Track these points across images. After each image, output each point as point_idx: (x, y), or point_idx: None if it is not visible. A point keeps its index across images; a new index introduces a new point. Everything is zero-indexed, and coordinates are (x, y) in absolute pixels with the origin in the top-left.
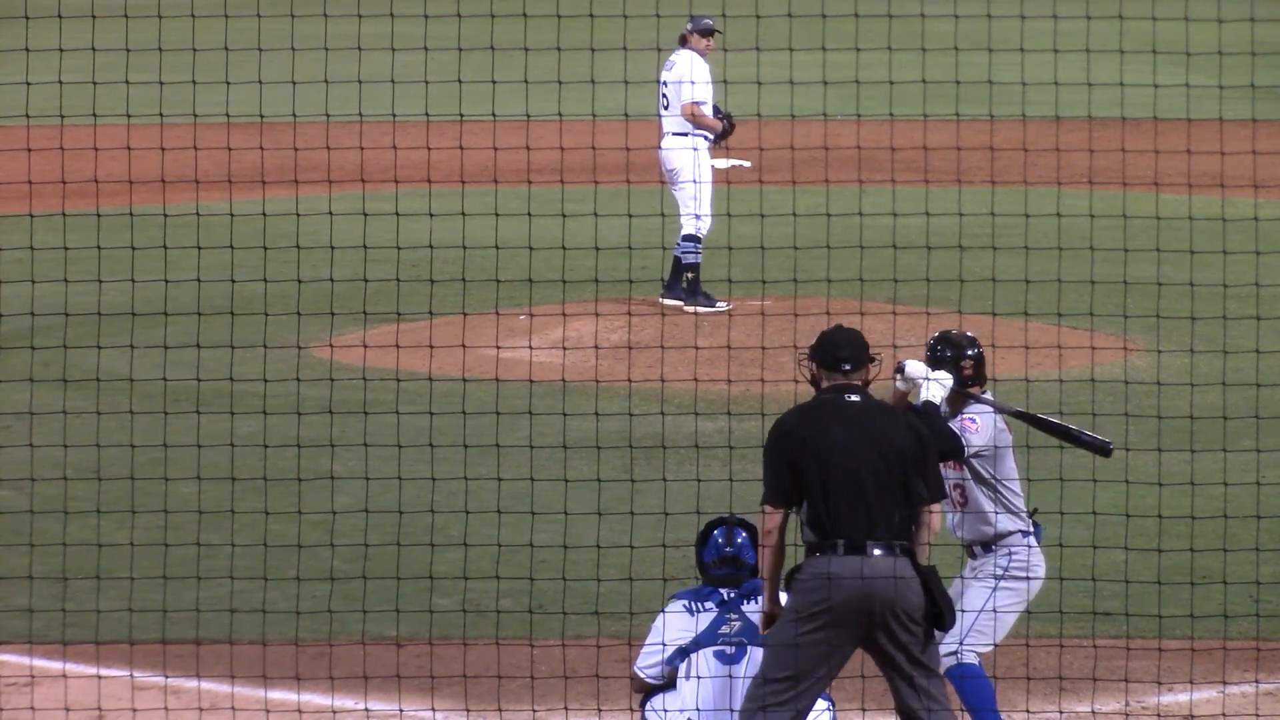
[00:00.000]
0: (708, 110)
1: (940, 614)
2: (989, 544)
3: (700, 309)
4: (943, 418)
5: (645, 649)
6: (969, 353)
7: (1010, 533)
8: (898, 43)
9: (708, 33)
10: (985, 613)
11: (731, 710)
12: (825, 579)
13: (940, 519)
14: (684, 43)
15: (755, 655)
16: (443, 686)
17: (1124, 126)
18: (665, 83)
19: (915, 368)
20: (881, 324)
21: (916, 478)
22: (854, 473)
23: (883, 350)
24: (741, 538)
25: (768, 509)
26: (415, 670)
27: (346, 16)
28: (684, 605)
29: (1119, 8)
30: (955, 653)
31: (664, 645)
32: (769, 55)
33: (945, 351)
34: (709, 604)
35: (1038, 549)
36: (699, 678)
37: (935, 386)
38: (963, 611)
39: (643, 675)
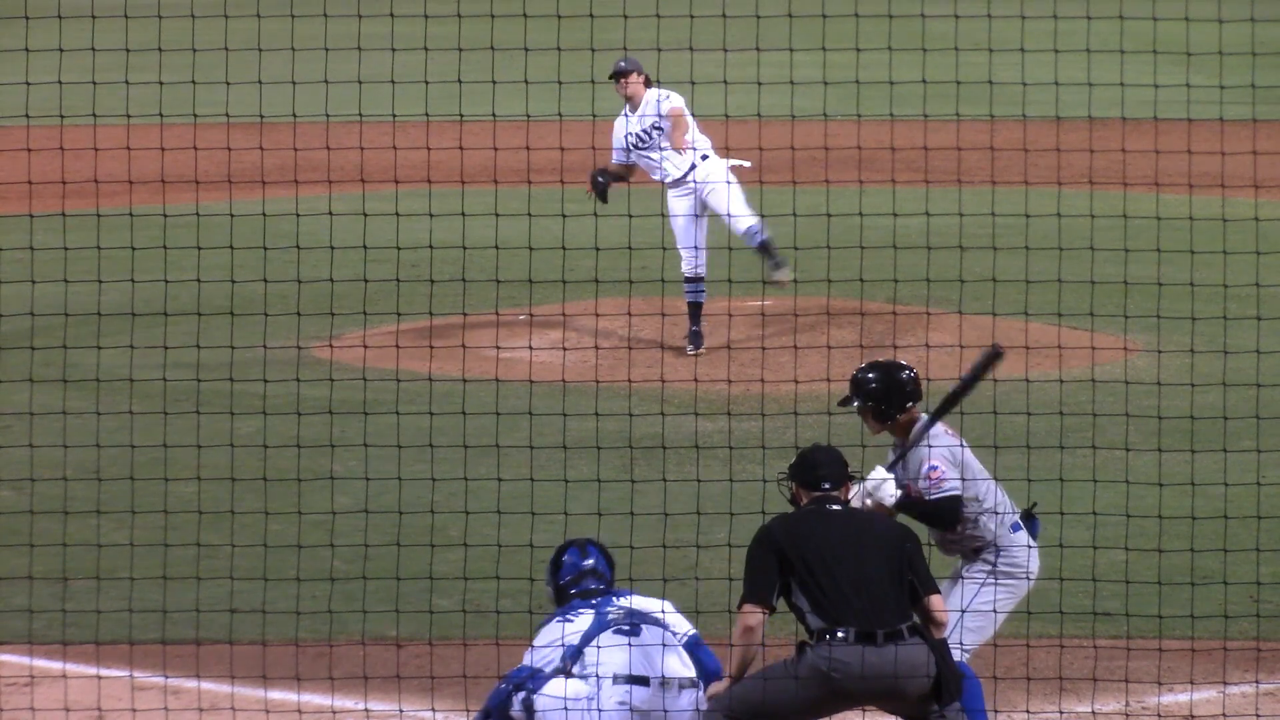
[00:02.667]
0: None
1: (941, 690)
2: (981, 549)
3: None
4: (923, 500)
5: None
6: (901, 375)
7: (996, 534)
8: (898, 43)
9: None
10: (977, 611)
11: (638, 676)
12: (832, 664)
13: (943, 607)
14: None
15: (650, 629)
16: (443, 686)
17: (1124, 126)
18: (657, 125)
19: (857, 491)
20: (881, 324)
21: (908, 570)
22: (852, 562)
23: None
24: (594, 555)
25: (747, 608)
26: (415, 670)
27: (346, 16)
28: (556, 620)
29: (1119, 8)
30: None
31: (560, 644)
32: (769, 55)
33: (906, 374)
34: (581, 610)
35: (1031, 545)
36: (606, 647)
37: (884, 487)
38: (961, 612)
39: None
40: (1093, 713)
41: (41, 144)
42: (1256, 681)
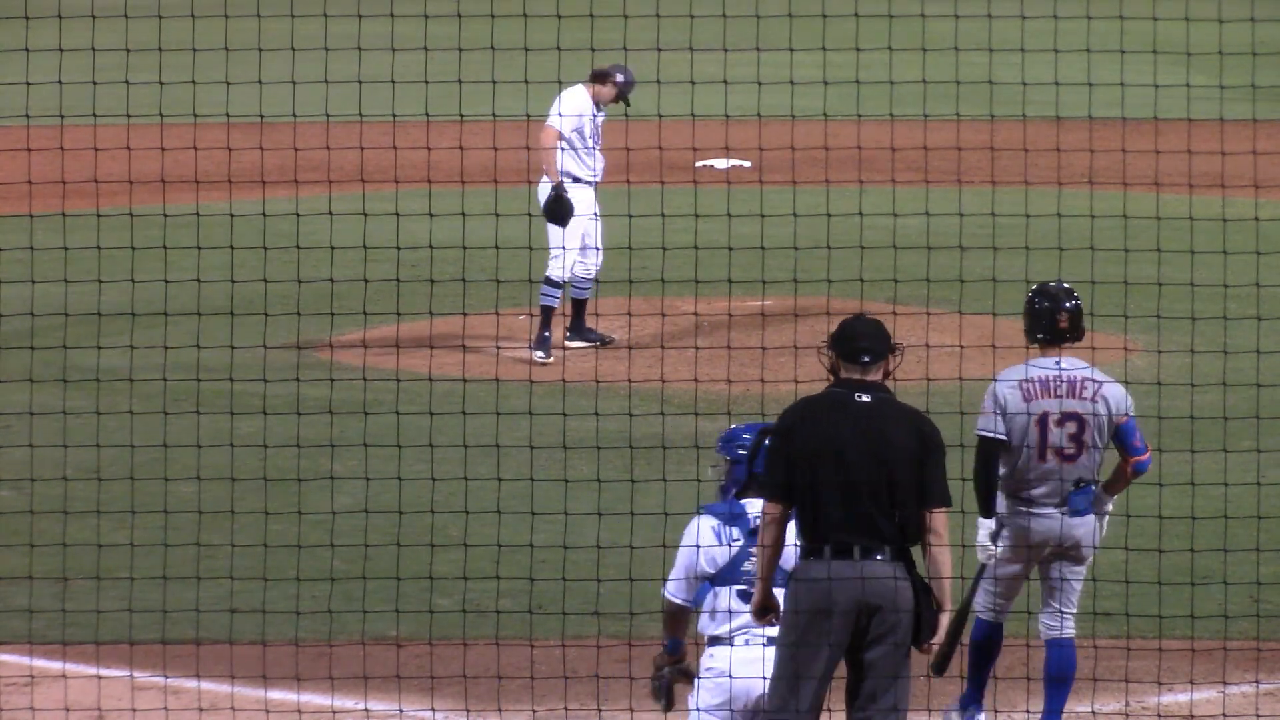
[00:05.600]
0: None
1: (921, 629)
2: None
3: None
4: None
5: (675, 571)
6: (1065, 305)
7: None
8: (898, 43)
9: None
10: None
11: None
12: (810, 583)
13: (947, 524)
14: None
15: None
16: (443, 686)
17: (1124, 126)
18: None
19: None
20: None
21: (916, 483)
22: (847, 476)
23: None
24: None
25: (766, 506)
26: (415, 670)
27: (346, 16)
28: (714, 530)
29: (1119, 8)
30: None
31: (696, 563)
32: (769, 55)
33: (1043, 303)
34: (736, 533)
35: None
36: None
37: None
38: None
39: (672, 598)
40: (1093, 713)
41: (41, 144)
42: (1256, 681)
